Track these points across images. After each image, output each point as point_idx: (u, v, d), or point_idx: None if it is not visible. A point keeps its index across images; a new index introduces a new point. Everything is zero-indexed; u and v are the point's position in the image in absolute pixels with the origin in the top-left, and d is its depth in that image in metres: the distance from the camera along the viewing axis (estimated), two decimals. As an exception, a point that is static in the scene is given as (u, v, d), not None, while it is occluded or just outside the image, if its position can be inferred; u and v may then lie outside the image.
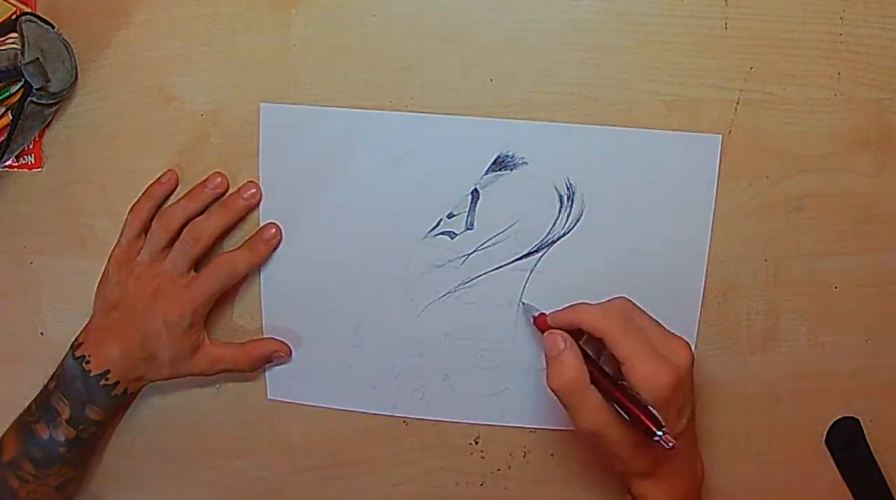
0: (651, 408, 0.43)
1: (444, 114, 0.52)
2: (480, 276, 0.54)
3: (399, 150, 0.53)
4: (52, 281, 0.59)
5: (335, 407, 0.58)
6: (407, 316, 0.55)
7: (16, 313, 0.60)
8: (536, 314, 0.52)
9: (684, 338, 0.47)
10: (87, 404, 0.53)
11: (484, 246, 0.53)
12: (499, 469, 0.58)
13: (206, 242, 0.53)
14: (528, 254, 0.53)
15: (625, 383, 0.45)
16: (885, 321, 0.54)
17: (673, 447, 0.41)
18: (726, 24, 0.50)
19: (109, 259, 0.55)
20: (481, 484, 0.59)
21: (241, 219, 0.54)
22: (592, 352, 0.48)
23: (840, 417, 0.55)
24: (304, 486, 0.60)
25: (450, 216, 0.53)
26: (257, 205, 0.54)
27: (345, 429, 0.58)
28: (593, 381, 0.45)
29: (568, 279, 0.53)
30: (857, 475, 0.56)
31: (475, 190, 0.53)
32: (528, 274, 0.54)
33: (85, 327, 0.55)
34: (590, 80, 0.51)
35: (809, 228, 0.53)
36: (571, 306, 0.49)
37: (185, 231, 0.53)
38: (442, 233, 0.54)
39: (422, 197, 0.53)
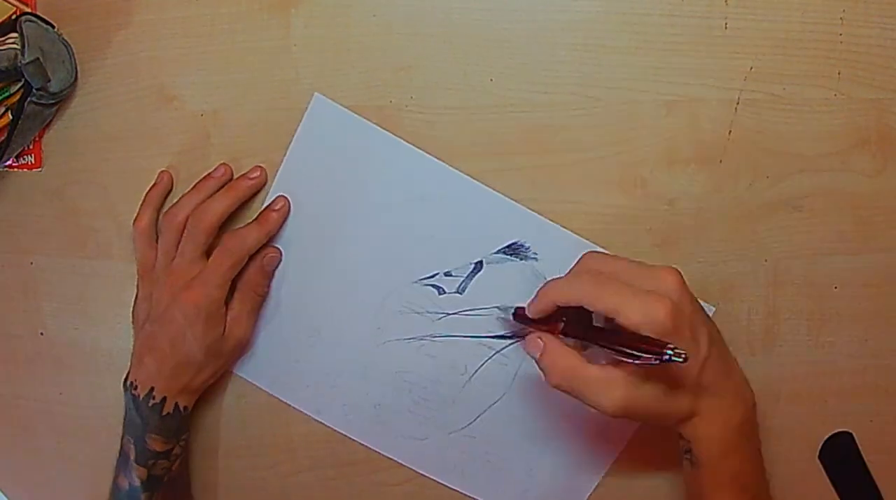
0: (650, 336, 0.40)
1: (478, 180, 0.52)
2: (450, 336, 0.55)
3: (425, 192, 0.53)
4: (52, 281, 0.59)
5: (272, 394, 0.58)
6: (368, 341, 0.56)
7: (16, 313, 0.60)
8: (513, 310, 0.52)
9: (671, 266, 0.45)
10: (146, 435, 0.52)
11: (465, 312, 0.54)
12: (499, 469, 0.58)
13: (210, 223, 0.51)
14: (501, 337, 0.54)
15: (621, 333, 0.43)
16: (885, 321, 0.54)
17: (685, 359, 0.38)
18: (726, 24, 0.50)
19: (137, 278, 0.55)
20: (481, 484, 0.59)
21: (245, 200, 0.54)
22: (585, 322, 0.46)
23: (833, 433, 0.55)
24: (304, 486, 0.60)
25: (447, 274, 0.54)
26: (262, 187, 0.54)
27: (345, 429, 0.58)
28: (592, 341, 0.44)
29: (524, 372, 0.54)
30: (851, 491, 0.56)
31: (480, 262, 0.53)
32: (492, 353, 0.55)
33: (130, 357, 0.55)
34: (590, 81, 0.51)
35: (809, 228, 0.53)
36: (540, 290, 0.47)
37: (189, 218, 0.52)
38: (433, 285, 0.54)
39: (427, 245, 0.54)
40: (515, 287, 0.53)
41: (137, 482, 0.52)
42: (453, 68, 0.52)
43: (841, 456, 0.55)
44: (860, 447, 0.55)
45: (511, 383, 0.55)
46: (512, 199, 0.53)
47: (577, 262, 0.48)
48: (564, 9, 0.51)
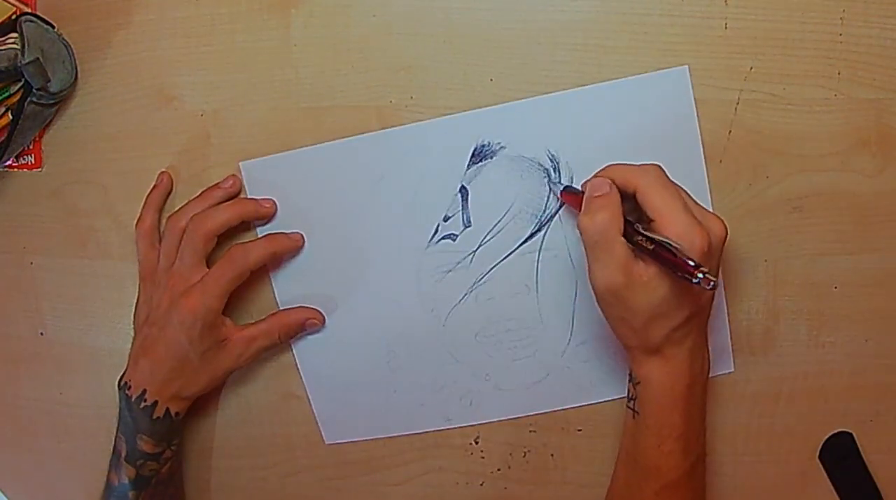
0: (689, 254, 0.40)
1: (417, 121, 0.52)
2: (491, 269, 0.54)
3: (379, 169, 0.53)
4: (52, 281, 0.59)
5: (394, 435, 0.58)
6: (433, 328, 0.55)
7: (16, 313, 0.60)
8: (562, 189, 0.51)
9: (723, 219, 0.44)
10: (137, 436, 0.52)
11: (486, 240, 0.53)
12: (499, 469, 0.58)
13: (209, 229, 0.51)
14: (531, 235, 0.53)
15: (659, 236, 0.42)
16: (885, 321, 0.54)
17: (713, 287, 0.38)
18: (726, 24, 0.50)
19: (139, 280, 0.55)
20: (481, 484, 0.59)
21: (248, 220, 0.54)
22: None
23: (833, 432, 0.55)
24: (303, 486, 0.60)
25: (445, 219, 0.53)
26: (269, 216, 0.54)
27: (345, 429, 0.58)
28: (626, 236, 0.43)
29: (577, 250, 0.53)
30: (851, 491, 0.56)
31: (463, 187, 0.53)
32: (537, 255, 0.53)
33: (128, 356, 0.55)
34: (590, 81, 0.51)
35: (809, 228, 0.53)
36: (604, 167, 0.47)
37: (189, 224, 0.52)
38: (443, 238, 0.54)
39: (413, 208, 0.53)
40: (507, 183, 0.52)
41: (126, 480, 0.52)
42: (453, 68, 0.52)
43: (841, 456, 0.55)
44: (860, 447, 0.55)
45: (572, 265, 0.53)
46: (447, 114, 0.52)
47: (650, 163, 0.46)
48: (564, 9, 0.51)
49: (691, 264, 0.39)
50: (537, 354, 0.55)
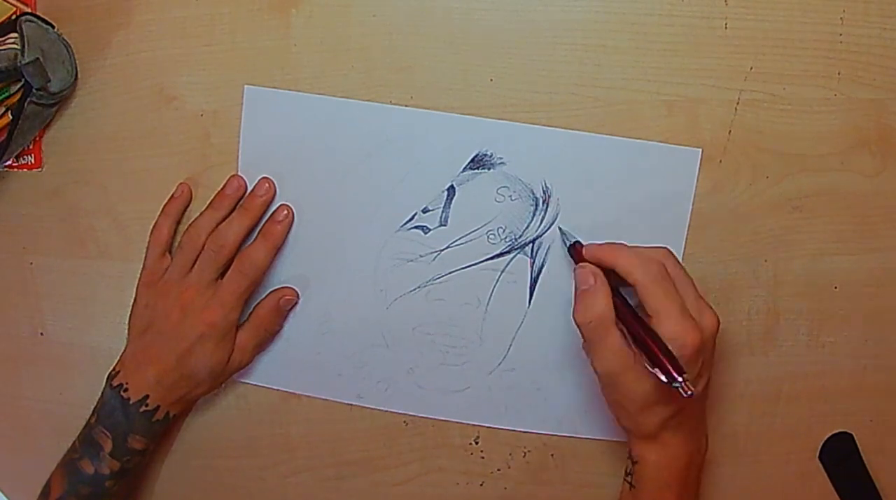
0: (674, 354, 0.42)
1: (426, 108, 0.52)
2: (451, 273, 0.54)
3: (378, 141, 0.53)
4: (52, 281, 0.59)
5: (303, 393, 0.58)
6: (375, 307, 0.55)
7: (16, 313, 0.60)
8: (573, 242, 0.51)
9: (716, 314, 0.46)
10: (128, 435, 0.52)
11: (456, 243, 0.53)
12: (499, 469, 0.58)
13: (231, 247, 0.52)
14: (500, 255, 0.53)
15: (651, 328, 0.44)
16: (885, 321, 0.54)
17: (691, 395, 0.40)
18: (726, 24, 0.50)
19: (138, 284, 0.55)
20: (481, 484, 0.59)
21: (261, 218, 0.54)
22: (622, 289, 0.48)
23: (833, 433, 0.55)
24: (304, 486, 0.60)
25: (424, 211, 0.53)
26: (273, 199, 0.54)
27: (345, 429, 0.58)
28: (620, 318, 0.45)
29: (537, 283, 0.54)
30: (851, 491, 0.56)
31: (451, 187, 0.53)
32: (498, 275, 0.54)
33: (120, 357, 0.55)
34: (590, 81, 0.51)
35: (809, 228, 0.53)
36: (610, 244, 0.48)
37: (208, 240, 0.52)
38: (415, 227, 0.54)
39: (398, 190, 0.53)
40: (495, 198, 0.53)
41: (107, 472, 0.52)
42: (453, 68, 0.52)
43: (841, 456, 0.55)
44: (860, 447, 0.55)
45: (528, 298, 0.54)
46: (458, 113, 0.52)
47: (652, 247, 0.48)
48: (564, 9, 0.51)
49: (672, 367, 0.41)
50: (465, 366, 0.55)
